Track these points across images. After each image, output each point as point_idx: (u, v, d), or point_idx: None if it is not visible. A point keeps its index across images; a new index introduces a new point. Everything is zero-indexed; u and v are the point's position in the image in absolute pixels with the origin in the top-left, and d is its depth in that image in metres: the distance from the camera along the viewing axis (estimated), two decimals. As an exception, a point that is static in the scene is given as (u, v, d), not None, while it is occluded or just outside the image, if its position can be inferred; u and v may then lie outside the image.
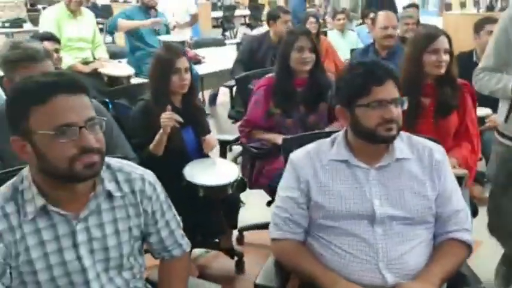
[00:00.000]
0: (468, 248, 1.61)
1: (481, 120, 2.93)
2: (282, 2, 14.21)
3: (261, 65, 4.18)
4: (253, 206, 2.90)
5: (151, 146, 2.40)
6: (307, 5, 10.07)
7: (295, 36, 2.73)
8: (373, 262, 1.52)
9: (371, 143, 1.59)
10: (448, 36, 2.38)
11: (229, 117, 4.38)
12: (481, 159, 2.69)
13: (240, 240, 3.02)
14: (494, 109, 2.31)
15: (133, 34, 4.84)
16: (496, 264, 2.39)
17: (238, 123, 2.98)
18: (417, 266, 1.53)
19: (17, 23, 8.93)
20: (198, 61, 5.09)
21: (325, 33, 5.82)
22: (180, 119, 2.40)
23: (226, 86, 4.62)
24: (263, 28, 7.02)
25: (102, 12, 9.81)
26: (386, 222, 1.55)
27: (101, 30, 6.16)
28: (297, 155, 1.68)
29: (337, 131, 1.73)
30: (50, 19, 4.22)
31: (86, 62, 4.31)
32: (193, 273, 2.43)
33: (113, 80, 4.07)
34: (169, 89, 2.48)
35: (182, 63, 2.48)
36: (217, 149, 2.80)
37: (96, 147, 1.22)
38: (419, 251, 1.56)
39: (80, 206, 1.30)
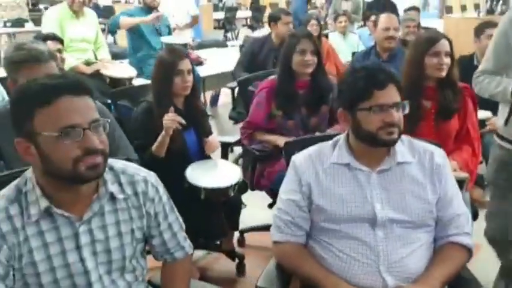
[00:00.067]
0: (468, 251, 1.61)
1: (482, 123, 2.93)
2: (284, 4, 14.24)
3: (262, 67, 4.19)
4: (255, 208, 2.91)
5: (153, 148, 2.41)
6: (309, 7, 10.07)
7: (297, 38, 2.74)
8: (374, 265, 1.53)
9: (372, 147, 1.60)
10: (448, 40, 2.39)
11: (230, 118, 4.39)
12: (481, 162, 2.70)
13: (241, 242, 3.02)
14: (495, 112, 2.31)
15: (135, 32, 4.84)
16: (497, 272, 2.36)
17: (240, 125, 2.99)
18: (418, 269, 1.54)
19: (18, 22, 8.95)
20: (199, 63, 5.10)
21: (326, 36, 5.83)
22: (183, 121, 2.41)
23: (228, 87, 4.63)
24: (265, 30, 7.04)
25: (104, 13, 9.83)
26: (388, 226, 1.56)
27: (103, 30, 6.16)
28: (298, 158, 1.69)
29: (339, 134, 1.74)
30: (53, 19, 4.21)
31: (88, 63, 4.30)
32: (194, 275, 2.43)
33: (115, 82, 4.07)
34: (171, 90, 2.48)
35: (185, 65, 2.49)
36: (218, 151, 2.80)
37: (100, 148, 1.23)
38: (419, 254, 1.56)
39: (83, 208, 1.30)
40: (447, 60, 2.35)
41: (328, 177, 1.62)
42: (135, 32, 4.85)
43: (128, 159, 1.58)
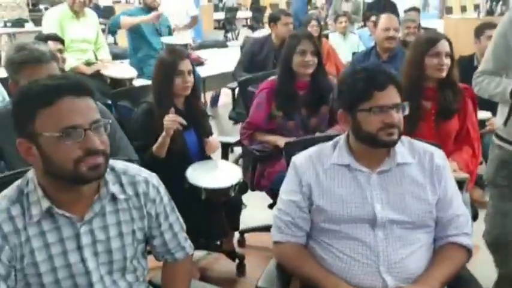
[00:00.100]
0: (468, 252, 1.62)
1: (482, 123, 2.94)
2: (284, 4, 14.25)
3: (262, 67, 4.20)
4: (255, 208, 2.91)
5: (153, 148, 2.41)
6: (309, 8, 10.08)
7: (297, 39, 2.74)
8: (374, 266, 1.53)
9: (372, 148, 1.61)
10: (448, 40, 2.40)
11: (230, 118, 4.39)
12: (481, 162, 2.70)
13: (242, 242, 3.03)
14: (495, 112, 2.31)
15: (135, 32, 4.84)
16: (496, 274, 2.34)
17: (240, 125, 2.99)
18: (417, 269, 1.55)
19: (19, 23, 8.96)
20: (200, 63, 5.11)
21: (326, 36, 5.84)
22: (184, 122, 2.41)
23: (228, 88, 4.64)
24: (265, 30, 7.05)
25: (104, 13, 9.83)
26: (387, 226, 1.56)
27: (103, 30, 6.16)
28: (299, 158, 1.70)
29: (339, 135, 1.74)
30: (53, 20, 4.20)
31: (88, 63, 4.30)
32: (194, 276, 2.44)
33: (116, 82, 4.07)
34: (172, 91, 2.49)
35: (185, 65, 2.49)
36: (218, 151, 2.81)
37: (101, 149, 1.24)
38: (419, 254, 1.57)
39: (84, 208, 1.31)
40: (447, 61, 2.35)
41: (328, 178, 1.63)
42: (135, 32, 4.85)
43: (129, 160, 1.58)
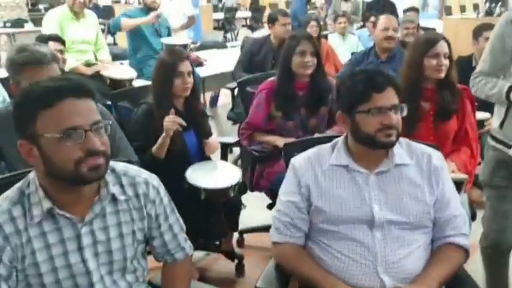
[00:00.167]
0: (465, 252, 1.63)
1: (480, 123, 2.95)
2: (283, 5, 14.25)
3: (260, 68, 4.20)
4: (254, 209, 2.92)
5: (153, 149, 2.42)
6: (309, 8, 10.08)
7: (297, 40, 2.75)
8: (371, 266, 1.54)
9: (371, 149, 1.62)
10: (447, 41, 2.41)
11: (229, 118, 4.39)
12: (480, 163, 2.71)
13: (241, 242, 3.04)
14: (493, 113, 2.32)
15: (135, 33, 4.84)
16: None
17: (239, 126, 3.00)
18: (415, 270, 1.56)
19: (18, 23, 8.97)
20: (199, 63, 5.11)
21: (326, 36, 5.85)
22: (184, 123, 2.42)
23: (228, 88, 4.64)
24: (264, 30, 7.05)
25: (103, 13, 9.84)
26: (385, 227, 1.57)
27: (102, 31, 6.17)
28: (298, 160, 1.71)
29: (338, 136, 1.75)
30: (53, 21, 4.21)
31: (88, 64, 4.31)
32: (193, 276, 2.44)
33: (115, 83, 4.07)
34: (172, 92, 2.50)
35: (185, 66, 2.50)
36: (218, 151, 2.82)
37: (102, 150, 1.25)
38: (417, 255, 1.58)
39: (85, 209, 1.32)
40: (446, 62, 2.36)
41: (327, 179, 1.64)
42: (135, 33, 4.85)
43: (129, 161, 1.59)
